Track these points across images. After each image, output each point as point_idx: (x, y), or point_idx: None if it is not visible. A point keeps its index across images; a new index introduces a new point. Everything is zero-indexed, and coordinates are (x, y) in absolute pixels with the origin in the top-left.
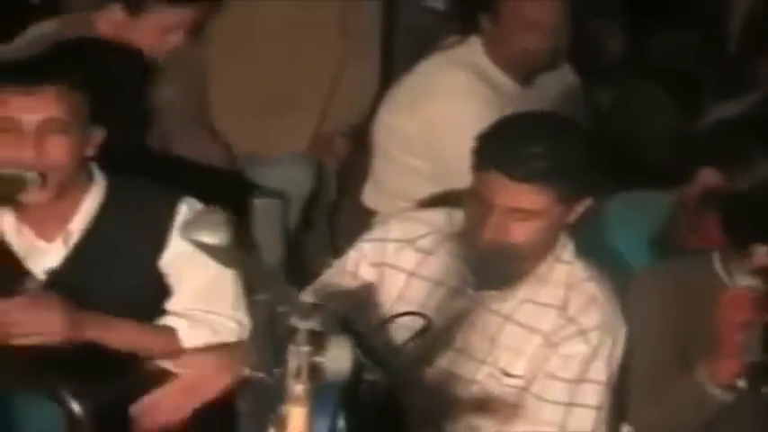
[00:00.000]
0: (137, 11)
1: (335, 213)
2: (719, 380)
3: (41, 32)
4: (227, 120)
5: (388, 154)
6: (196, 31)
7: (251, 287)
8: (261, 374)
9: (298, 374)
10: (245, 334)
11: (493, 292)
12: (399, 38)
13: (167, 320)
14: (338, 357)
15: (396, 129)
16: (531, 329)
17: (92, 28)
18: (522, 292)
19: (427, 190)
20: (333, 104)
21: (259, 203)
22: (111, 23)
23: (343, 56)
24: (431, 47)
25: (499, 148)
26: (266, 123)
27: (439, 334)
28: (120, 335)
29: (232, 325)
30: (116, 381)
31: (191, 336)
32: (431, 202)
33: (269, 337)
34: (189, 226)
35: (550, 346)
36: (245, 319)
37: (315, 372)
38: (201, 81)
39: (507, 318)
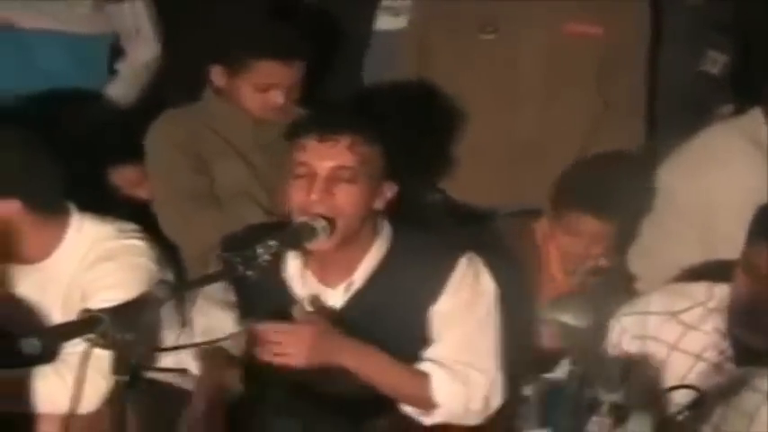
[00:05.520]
0: (237, 71)
1: None
2: None
3: None
4: (476, 169)
5: (658, 220)
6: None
7: None
8: None
9: None
10: (494, 386)
11: (754, 369)
12: (666, 99)
13: (423, 366)
14: None
15: (669, 195)
16: None
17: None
18: None
19: (694, 258)
20: None
21: None
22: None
23: (598, 118)
24: (698, 111)
25: None
26: (515, 174)
27: (700, 409)
28: (376, 368)
29: (482, 379)
30: (368, 419)
31: (442, 384)
32: (698, 272)
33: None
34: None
35: None
36: (497, 374)
37: None
38: None
39: None
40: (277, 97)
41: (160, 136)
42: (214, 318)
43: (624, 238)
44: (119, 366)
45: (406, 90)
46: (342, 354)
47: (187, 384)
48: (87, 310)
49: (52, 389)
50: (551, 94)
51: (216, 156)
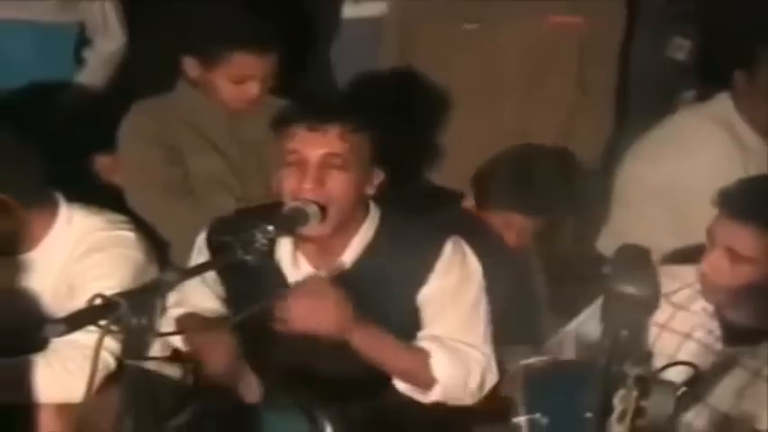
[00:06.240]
0: (211, 63)
1: None
2: None
3: None
4: (459, 156)
5: (629, 204)
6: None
7: None
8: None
9: (622, 417)
10: (489, 365)
11: (742, 348)
12: (635, 84)
13: (423, 343)
14: (661, 403)
15: (639, 180)
16: None
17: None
18: None
19: (668, 243)
20: None
21: None
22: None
23: (576, 106)
24: (665, 96)
25: (736, 194)
26: None
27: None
28: (381, 344)
29: (480, 356)
30: (366, 402)
31: (442, 361)
32: (675, 257)
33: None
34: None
35: None
36: (491, 354)
37: (638, 415)
38: None
39: (756, 373)
40: (252, 89)
41: (133, 128)
42: (188, 290)
43: (563, 226)
44: (132, 351)
45: (391, 78)
46: (355, 327)
47: (171, 371)
48: (101, 296)
49: (42, 378)
50: (534, 84)
51: (189, 147)
